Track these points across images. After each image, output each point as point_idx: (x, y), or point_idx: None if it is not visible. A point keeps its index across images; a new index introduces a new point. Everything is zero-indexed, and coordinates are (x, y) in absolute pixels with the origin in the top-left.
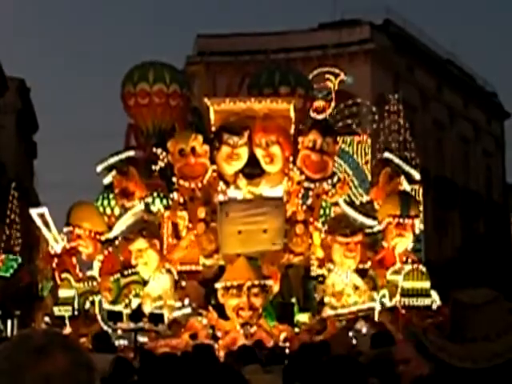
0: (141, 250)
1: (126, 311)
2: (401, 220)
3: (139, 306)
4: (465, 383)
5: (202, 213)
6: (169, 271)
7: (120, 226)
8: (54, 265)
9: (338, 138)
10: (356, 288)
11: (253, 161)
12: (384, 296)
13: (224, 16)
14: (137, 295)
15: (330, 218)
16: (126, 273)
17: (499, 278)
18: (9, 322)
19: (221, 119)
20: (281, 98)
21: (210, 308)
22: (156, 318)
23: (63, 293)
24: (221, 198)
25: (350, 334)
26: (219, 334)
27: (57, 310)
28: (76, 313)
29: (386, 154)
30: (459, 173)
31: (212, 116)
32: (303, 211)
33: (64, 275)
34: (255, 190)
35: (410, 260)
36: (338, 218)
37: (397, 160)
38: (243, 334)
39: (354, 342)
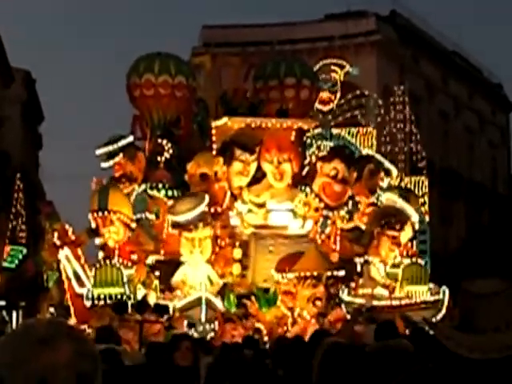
0: (201, 239)
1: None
2: None
3: (144, 297)
4: (471, 373)
5: (238, 254)
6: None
7: (192, 214)
8: (59, 256)
9: (343, 130)
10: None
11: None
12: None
13: (229, 7)
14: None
15: (380, 209)
16: (146, 262)
17: (505, 269)
18: (14, 313)
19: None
20: (301, 120)
21: (253, 298)
22: (161, 309)
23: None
24: (231, 213)
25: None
26: (258, 324)
27: (102, 299)
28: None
29: (367, 151)
30: (464, 164)
31: (216, 124)
32: (321, 240)
33: (106, 262)
34: (256, 200)
35: (410, 253)
36: (387, 211)
37: (378, 156)
38: (318, 323)
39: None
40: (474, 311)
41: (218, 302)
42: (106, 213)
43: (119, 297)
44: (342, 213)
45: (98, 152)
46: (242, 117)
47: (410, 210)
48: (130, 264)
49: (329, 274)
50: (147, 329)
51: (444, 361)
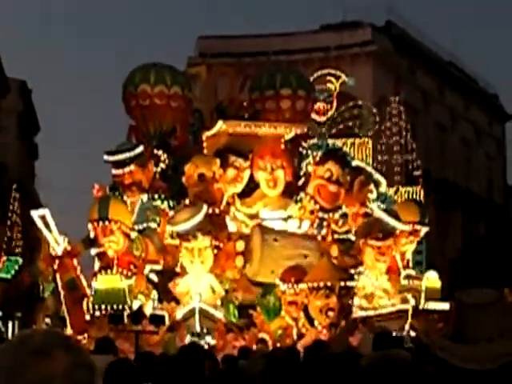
0: (201, 249)
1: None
2: (418, 227)
3: (140, 308)
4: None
5: (241, 247)
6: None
7: (191, 223)
8: (55, 266)
9: (340, 141)
10: (385, 291)
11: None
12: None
13: (225, 17)
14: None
15: (363, 222)
16: (145, 272)
17: (500, 279)
18: (10, 324)
19: (219, 136)
20: (294, 125)
21: (259, 309)
22: (157, 320)
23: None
24: (228, 218)
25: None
26: (262, 335)
27: (104, 309)
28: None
29: (356, 163)
30: (461, 175)
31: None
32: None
33: (111, 271)
34: (247, 211)
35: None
36: (371, 222)
37: (368, 168)
38: (330, 334)
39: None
40: (467, 321)
41: (216, 313)
42: (106, 222)
43: (120, 306)
44: (337, 216)
45: (109, 159)
46: (236, 120)
47: (392, 221)
48: (129, 274)
49: (342, 284)
50: (143, 339)
51: (440, 371)
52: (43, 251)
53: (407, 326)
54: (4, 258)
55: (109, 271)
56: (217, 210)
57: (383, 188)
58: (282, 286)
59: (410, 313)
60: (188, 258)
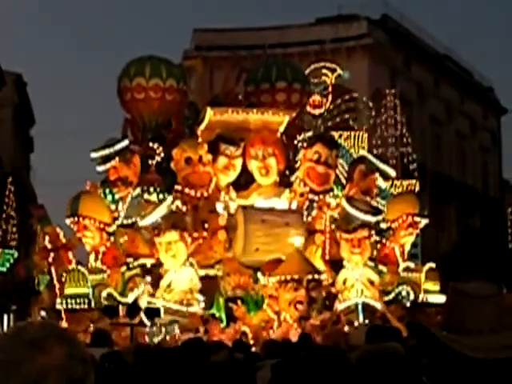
0: (170, 243)
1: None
2: (417, 219)
3: (135, 301)
4: (474, 374)
5: (223, 220)
6: (191, 265)
7: (153, 217)
8: (50, 259)
9: (335, 133)
10: (371, 283)
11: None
12: (407, 292)
13: (222, 10)
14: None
15: (339, 216)
16: (130, 265)
17: (495, 272)
18: (5, 317)
19: (212, 129)
20: (282, 111)
21: (239, 302)
22: (152, 313)
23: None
24: (218, 205)
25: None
26: (243, 328)
27: (70, 303)
28: (92, 305)
29: (362, 152)
30: (456, 168)
31: (200, 129)
32: (308, 222)
33: (73, 267)
34: (244, 203)
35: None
36: (344, 216)
37: (372, 158)
38: (300, 327)
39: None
40: (468, 312)
41: (183, 308)
42: (75, 218)
43: (83, 300)
44: (329, 199)
45: (94, 155)
46: (224, 107)
47: (358, 213)
48: (105, 268)
49: (310, 277)
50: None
51: (445, 362)
52: (38, 244)
53: (361, 319)
54: None
55: (74, 267)
56: (205, 193)
57: (392, 176)
58: (262, 279)
59: (359, 307)
60: (161, 252)
